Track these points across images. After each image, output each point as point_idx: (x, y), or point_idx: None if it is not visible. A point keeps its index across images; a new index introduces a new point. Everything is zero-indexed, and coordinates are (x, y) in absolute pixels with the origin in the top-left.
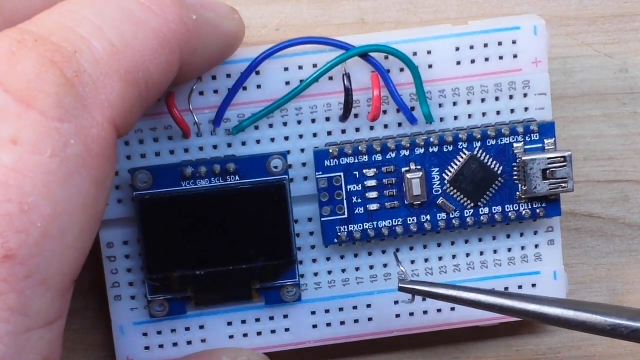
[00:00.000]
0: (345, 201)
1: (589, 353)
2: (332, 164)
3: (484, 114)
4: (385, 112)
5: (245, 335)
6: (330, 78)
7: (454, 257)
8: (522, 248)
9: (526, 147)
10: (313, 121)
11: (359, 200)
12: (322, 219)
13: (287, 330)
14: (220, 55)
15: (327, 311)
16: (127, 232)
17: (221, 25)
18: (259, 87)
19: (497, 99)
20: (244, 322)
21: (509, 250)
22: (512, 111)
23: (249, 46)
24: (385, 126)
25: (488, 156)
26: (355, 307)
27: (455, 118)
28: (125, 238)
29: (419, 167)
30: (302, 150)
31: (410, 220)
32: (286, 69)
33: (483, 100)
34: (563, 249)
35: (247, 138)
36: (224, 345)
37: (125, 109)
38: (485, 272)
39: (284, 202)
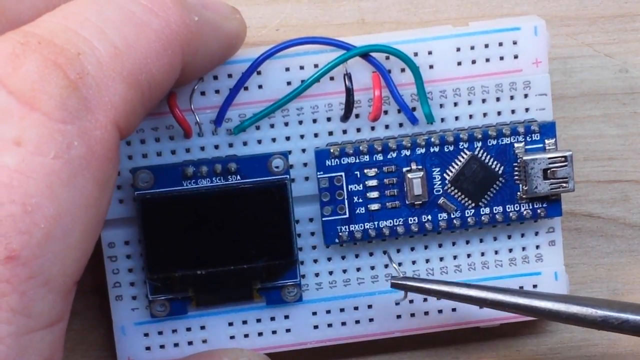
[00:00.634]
0: (346, 201)
1: (589, 353)
2: (333, 164)
3: (484, 114)
4: (386, 112)
5: (246, 335)
6: (332, 78)
7: (454, 257)
8: (523, 249)
9: (527, 147)
10: (314, 121)
11: (360, 200)
12: (323, 219)
13: (288, 330)
14: (222, 56)
15: (328, 312)
16: (128, 232)
17: (223, 26)
18: (260, 87)
19: (497, 99)
20: (244, 322)
21: (510, 250)
22: (513, 111)
23: (249, 46)
24: (386, 126)
25: (489, 156)
26: (356, 308)
27: (456, 118)
28: (126, 238)
29: (419, 167)
30: (303, 150)
31: (411, 220)
32: (287, 69)
33: (484, 101)
34: (563, 249)
35: (249, 138)
36: (225, 346)
37: (127, 111)
38: (486, 273)
39: (285, 202)
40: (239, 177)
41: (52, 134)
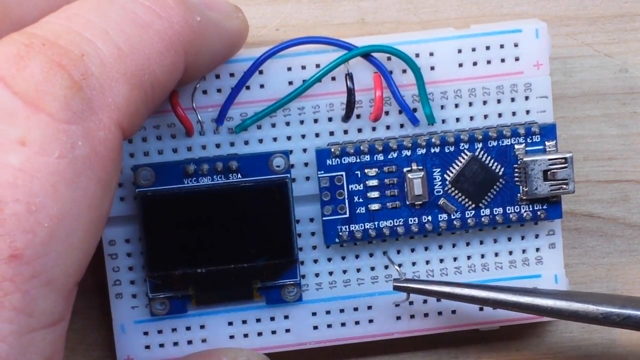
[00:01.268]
0: (346, 200)
1: (588, 353)
2: (333, 163)
3: (485, 116)
4: (387, 112)
5: (245, 335)
6: (333, 78)
7: (455, 259)
8: (523, 251)
9: (527, 148)
10: (315, 121)
11: (361, 200)
12: (324, 218)
13: (287, 330)
14: (224, 55)
15: (328, 312)
16: (128, 230)
17: (225, 25)
18: (262, 86)
19: (498, 101)
20: (244, 322)
21: (510, 253)
22: (514, 113)
23: (249, 46)
24: (387, 127)
25: (489, 157)
26: (356, 309)
27: (457, 120)
28: (127, 236)
29: (420, 167)
30: (304, 150)
31: (411, 220)
32: (289, 69)
33: (485, 103)
34: (563, 249)
35: (250, 137)
36: (225, 345)
37: (131, 112)
38: (486, 275)
39: (286, 201)
40: (239, 176)
41: (56, 134)
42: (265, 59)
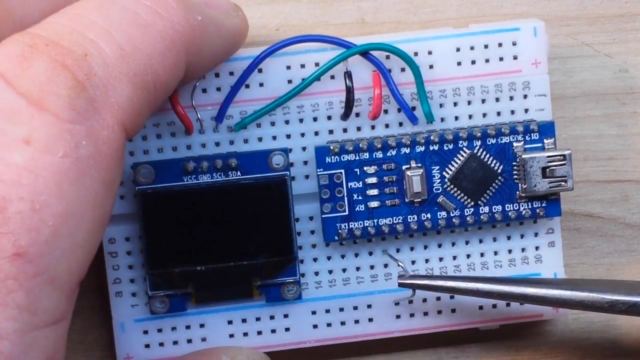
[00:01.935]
0: (346, 198)
1: (589, 353)
2: (333, 161)
3: (484, 115)
4: (386, 111)
5: (245, 334)
6: (332, 77)
7: (454, 257)
8: (523, 250)
9: (526, 146)
10: (315, 119)
11: (360, 198)
12: (323, 216)
13: (287, 329)
14: (225, 53)
15: (328, 311)
16: (128, 229)
17: (225, 23)
18: (261, 85)
19: (497, 99)
20: (244, 320)
21: (510, 251)
22: (512, 112)
23: (249, 46)
24: (387, 125)
25: (488, 155)
26: (355, 308)
27: (456, 118)
28: (126, 234)
29: (419, 165)
30: (304, 149)
31: (410, 218)
32: (288, 67)
33: (483, 101)
34: (563, 248)
35: (249, 135)
36: (224, 344)
37: (134, 111)
38: (486, 273)
39: (285, 198)
40: (239, 173)
41: (61, 134)
42: (264, 57)
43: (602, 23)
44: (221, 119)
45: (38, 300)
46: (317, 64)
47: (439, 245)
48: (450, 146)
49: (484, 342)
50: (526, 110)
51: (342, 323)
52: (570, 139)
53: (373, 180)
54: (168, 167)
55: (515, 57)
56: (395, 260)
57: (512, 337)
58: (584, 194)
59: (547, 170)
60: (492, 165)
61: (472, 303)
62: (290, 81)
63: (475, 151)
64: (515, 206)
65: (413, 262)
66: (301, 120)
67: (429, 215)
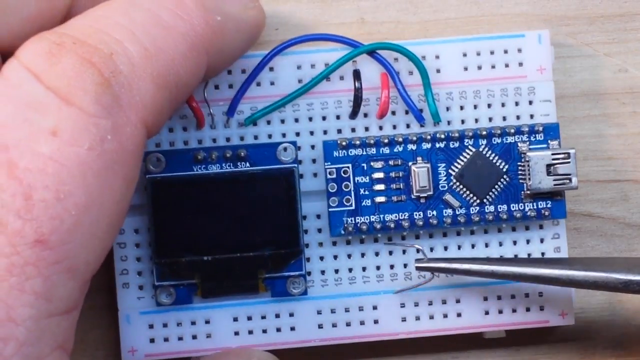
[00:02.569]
0: (352, 193)
1: (589, 352)
2: (340, 155)
3: (490, 119)
4: (393, 112)
5: (250, 332)
6: (342, 77)
7: None
8: (529, 255)
9: (531, 146)
10: (324, 118)
11: (366, 192)
12: (330, 210)
13: (292, 328)
14: (244, 48)
15: (333, 311)
16: (138, 220)
17: (243, 18)
18: (272, 83)
19: (503, 104)
20: (249, 318)
21: (515, 257)
22: (518, 117)
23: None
24: (394, 126)
25: (493, 154)
26: (361, 308)
27: (462, 122)
28: (136, 226)
29: (425, 161)
30: (312, 147)
31: (416, 215)
32: (299, 67)
33: (489, 106)
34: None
35: (259, 132)
36: (230, 341)
37: (156, 111)
38: None
39: (293, 190)
40: (248, 165)
41: (87, 127)
42: (275, 54)
43: (602, 23)
44: (232, 113)
45: (54, 288)
46: (326, 64)
47: (445, 248)
48: (456, 144)
49: (487, 347)
50: (532, 116)
51: (348, 324)
52: (570, 138)
53: (380, 175)
54: (178, 156)
55: (520, 64)
56: (411, 246)
57: (512, 335)
58: (584, 193)
59: (552, 168)
60: (498, 164)
61: (478, 307)
62: (300, 80)
63: (481, 149)
64: (521, 206)
65: (421, 250)
66: (310, 119)
67: (434, 212)
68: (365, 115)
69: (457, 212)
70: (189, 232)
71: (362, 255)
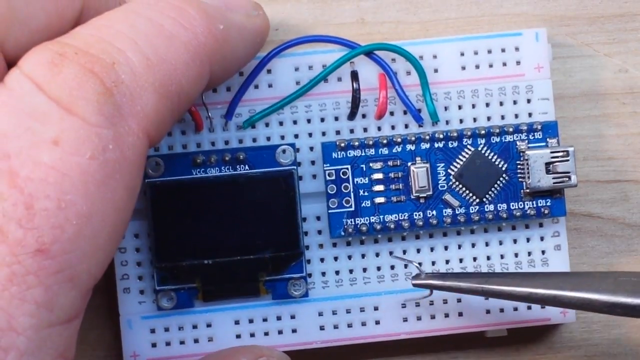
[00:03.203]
0: (352, 194)
1: (589, 352)
2: (339, 156)
3: (488, 118)
4: (392, 113)
5: (252, 334)
6: (339, 79)
7: (460, 260)
8: (529, 254)
9: (529, 145)
10: (322, 120)
11: (366, 193)
12: (329, 211)
13: (294, 331)
14: (248, 56)
15: (335, 312)
16: (138, 224)
17: (247, 26)
18: (270, 85)
19: (501, 103)
20: (251, 321)
21: (516, 255)
22: (516, 116)
23: None
24: (392, 127)
25: (492, 153)
26: (362, 309)
27: (461, 121)
28: (136, 231)
29: (424, 162)
30: (311, 148)
31: (416, 215)
32: (297, 69)
33: (487, 105)
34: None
35: (258, 134)
36: (231, 344)
37: (158, 120)
38: None
39: (292, 192)
40: (247, 167)
41: (88, 136)
42: (272, 56)
43: (601, 23)
44: (230, 116)
45: (56, 297)
46: (324, 66)
47: (445, 248)
48: (455, 144)
49: (489, 347)
50: (530, 114)
51: (349, 325)
52: (570, 138)
53: (379, 176)
54: (177, 160)
55: (518, 62)
56: (409, 262)
57: (512, 335)
58: (584, 193)
59: (551, 166)
60: (497, 163)
61: (479, 306)
62: (298, 82)
63: (480, 149)
64: (520, 204)
65: (420, 264)
66: (309, 121)
67: (434, 212)
68: (364, 116)
69: (457, 212)
70: (189, 236)
71: (363, 256)
